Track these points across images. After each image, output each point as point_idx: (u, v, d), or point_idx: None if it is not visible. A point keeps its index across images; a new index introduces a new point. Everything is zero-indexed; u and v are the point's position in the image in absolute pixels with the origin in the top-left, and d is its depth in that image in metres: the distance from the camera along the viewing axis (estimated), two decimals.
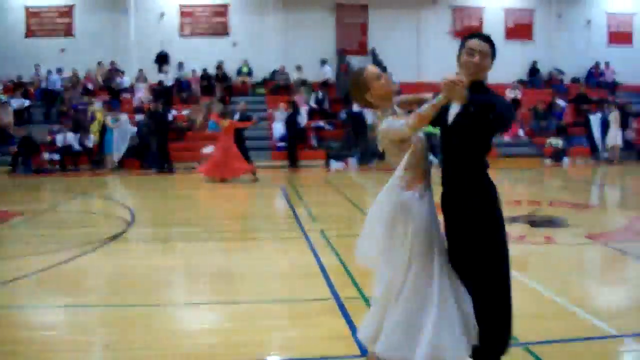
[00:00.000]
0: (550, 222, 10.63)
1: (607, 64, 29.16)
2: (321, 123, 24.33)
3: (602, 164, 22.96)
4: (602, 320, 5.60)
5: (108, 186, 18.05)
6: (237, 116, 18.16)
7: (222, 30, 27.63)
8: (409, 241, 3.98)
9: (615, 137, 23.07)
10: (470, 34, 4.22)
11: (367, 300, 6.12)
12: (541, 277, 7.28)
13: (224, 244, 9.52)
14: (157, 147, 20.80)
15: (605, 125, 23.82)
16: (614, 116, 23.27)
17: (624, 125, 24.80)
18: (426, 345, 3.85)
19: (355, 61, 26.77)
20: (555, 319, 5.75)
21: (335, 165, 21.96)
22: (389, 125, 4.00)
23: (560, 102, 26.13)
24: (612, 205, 13.48)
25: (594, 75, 28.94)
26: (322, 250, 8.41)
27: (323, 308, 6.01)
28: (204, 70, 26.66)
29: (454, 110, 4.05)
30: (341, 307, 5.95)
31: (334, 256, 8.14)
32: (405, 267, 3.99)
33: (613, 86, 28.45)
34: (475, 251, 3.99)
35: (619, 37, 30.04)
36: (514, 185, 17.14)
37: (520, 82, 27.59)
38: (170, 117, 22.14)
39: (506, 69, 27.36)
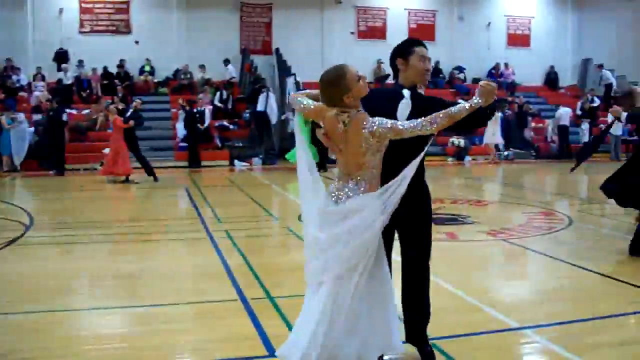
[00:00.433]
0: (452, 220, 10.87)
1: (506, 64, 30.09)
2: (225, 123, 24.16)
3: (502, 163, 23.63)
4: (504, 314, 5.77)
5: (4, 188, 17.39)
6: (128, 114, 17.52)
7: (123, 28, 27.00)
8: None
9: (491, 136, 23.30)
10: (414, 40, 4.57)
11: (273, 300, 6.11)
12: (444, 273, 7.41)
13: (127, 246, 9.33)
14: (52, 148, 20.13)
15: (504, 125, 24.53)
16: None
17: (522, 124, 25.64)
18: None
19: (259, 61, 26.75)
20: (458, 313, 5.88)
21: (239, 165, 21.85)
22: (410, 125, 3.97)
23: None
24: (512, 202, 13.88)
25: (494, 76, 29.78)
26: (227, 251, 8.36)
27: (229, 309, 5.97)
28: (105, 68, 25.98)
29: (405, 110, 4.28)
30: (247, 307, 5.92)
31: (239, 257, 8.11)
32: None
33: (512, 86, 29.36)
34: (424, 230, 4.63)
35: (518, 39, 31.08)
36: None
37: None
38: (65, 117, 21.35)
39: None
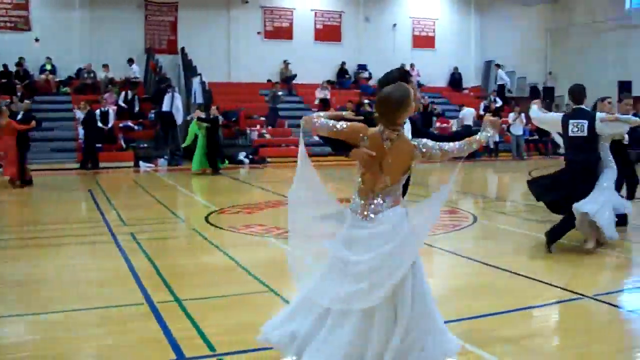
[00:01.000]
0: None
1: (412, 65, 30.55)
2: (130, 123, 23.70)
3: None
4: None
5: None
6: (20, 116, 16.83)
7: (23, 25, 26.05)
8: None
9: None
10: (406, 71, 4.83)
11: (181, 303, 6.02)
12: None
13: (28, 250, 8.99)
14: None
15: (410, 125, 24.89)
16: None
17: (427, 124, 26.10)
18: None
19: (165, 60, 26.36)
20: None
21: (144, 166, 21.47)
22: (455, 148, 4.23)
23: (367, 102, 27.04)
24: (417, 200, 14.09)
25: None
26: (133, 254, 8.18)
27: (136, 313, 5.85)
28: (4, 66, 25.00)
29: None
30: (155, 311, 5.81)
31: (145, 260, 7.95)
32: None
33: (418, 87, 29.82)
34: None
35: (423, 40, 31.66)
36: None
37: (329, 82, 28.30)
38: None
39: (315, 70, 28.06)
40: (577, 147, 8.29)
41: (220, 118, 20.37)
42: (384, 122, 4.10)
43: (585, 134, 8.16)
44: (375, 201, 4.13)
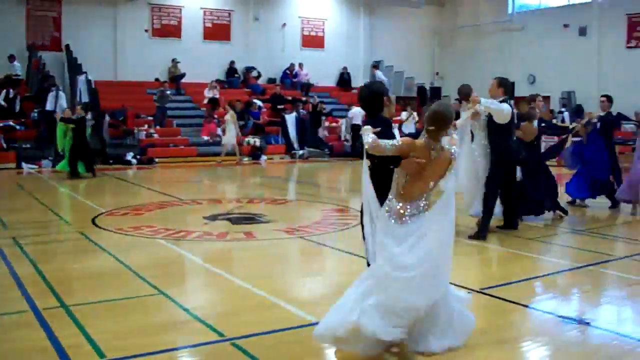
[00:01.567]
0: (250, 219, 10.95)
1: (301, 65, 30.73)
2: (11, 123, 22.78)
3: (297, 162, 24.13)
4: (303, 310, 5.90)
5: None
6: None
7: None
8: None
9: (230, 137, 22.72)
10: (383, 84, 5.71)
11: (68, 309, 5.86)
12: (243, 272, 7.50)
13: None
14: None
15: (299, 124, 25.09)
16: (230, 115, 22.70)
17: (316, 124, 26.33)
18: None
19: (48, 57, 25.47)
20: (258, 312, 5.96)
21: (27, 167, 20.70)
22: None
23: (258, 102, 27.04)
24: (308, 200, 14.21)
25: (289, 76, 30.34)
26: (15, 260, 7.88)
27: (20, 321, 5.65)
28: None
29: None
30: (40, 318, 5.62)
31: (29, 265, 7.67)
32: None
33: (307, 87, 30.07)
34: None
35: (312, 40, 31.83)
36: (214, 184, 17.41)
37: (218, 81, 28.10)
38: None
39: (204, 69, 27.80)
40: None
41: (89, 118, 19.47)
42: (432, 135, 4.75)
43: None
44: (415, 204, 4.78)
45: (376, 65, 31.79)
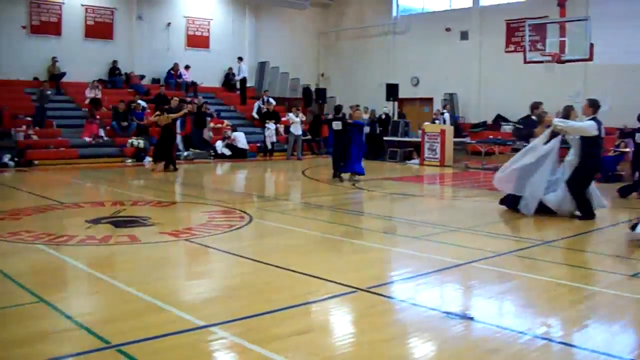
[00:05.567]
0: (133, 222, 10.76)
1: (186, 65, 30.39)
2: None
3: (182, 163, 23.81)
4: (189, 313, 5.84)
5: None
6: None
7: None
8: None
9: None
10: None
11: None
12: (127, 276, 7.36)
13: None
14: None
15: (184, 125, 24.82)
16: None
17: (201, 125, 26.09)
18: None
19: None
20: (143, 316, 5.85)
21: None
22: None
23: (142, 103, 26.54)
24: (193, 202, 14.07)
25: (173, 77, 29.95)
26: None
27: None
28: None
29: None
30: None
31: None
32: None
33: (192, 87, 29.77)
34: None
35: (197, 40, 31.53)
36: (96, 187, 16.97)
37: (100, 81, 27.44)
38: None
39: (86, 68, 27.09)
40: None
41: None
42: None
43: None
44: None
45: (241, 58, 31.54)
